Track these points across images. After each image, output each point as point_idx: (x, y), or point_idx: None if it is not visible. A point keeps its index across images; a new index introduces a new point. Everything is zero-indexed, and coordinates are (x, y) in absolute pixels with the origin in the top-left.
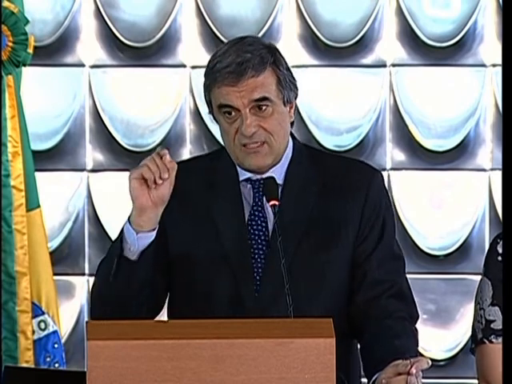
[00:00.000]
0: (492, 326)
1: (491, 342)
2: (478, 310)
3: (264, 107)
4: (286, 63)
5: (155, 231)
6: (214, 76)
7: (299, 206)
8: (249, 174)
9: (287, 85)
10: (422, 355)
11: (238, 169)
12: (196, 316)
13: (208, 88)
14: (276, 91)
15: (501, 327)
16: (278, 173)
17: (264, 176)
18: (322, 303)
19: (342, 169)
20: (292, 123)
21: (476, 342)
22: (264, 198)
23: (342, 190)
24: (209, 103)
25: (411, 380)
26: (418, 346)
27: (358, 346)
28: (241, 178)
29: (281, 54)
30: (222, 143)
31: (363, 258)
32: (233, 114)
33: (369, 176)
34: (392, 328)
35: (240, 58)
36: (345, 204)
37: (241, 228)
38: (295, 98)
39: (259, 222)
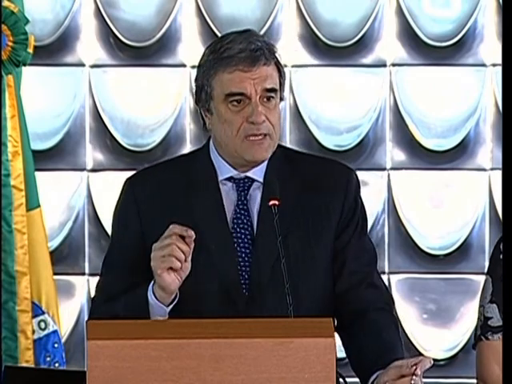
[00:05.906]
0: (489, 322)
1: (487, 338)
2: (479, 307)
3: (271, 98)
4: None
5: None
6: (225, 62)
7: (282, 204)
8: (231, 173)
9: (284, 82)
10: (421, 354)
11: (218, 168)
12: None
13: (212, 76)
14: (278, 85)
15: (497, 324)
16: (259, 172)
17: (247, 174)
18: (307, 301)
19: (319, 168)
20: None
21: (476, 338)
22: (249, 197)
23: (321, 189)
24: (207, 94)
25: (416, 381)
26: (399, 332)
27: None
28: (221, 177)
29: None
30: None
31: (340, 250)
32: (242, 102)
33: (346, 175)
34: (376, 321)
35: (253, 45)
36: (325, 202)
37: (224, 228)
38: None
39: (245, 221)
